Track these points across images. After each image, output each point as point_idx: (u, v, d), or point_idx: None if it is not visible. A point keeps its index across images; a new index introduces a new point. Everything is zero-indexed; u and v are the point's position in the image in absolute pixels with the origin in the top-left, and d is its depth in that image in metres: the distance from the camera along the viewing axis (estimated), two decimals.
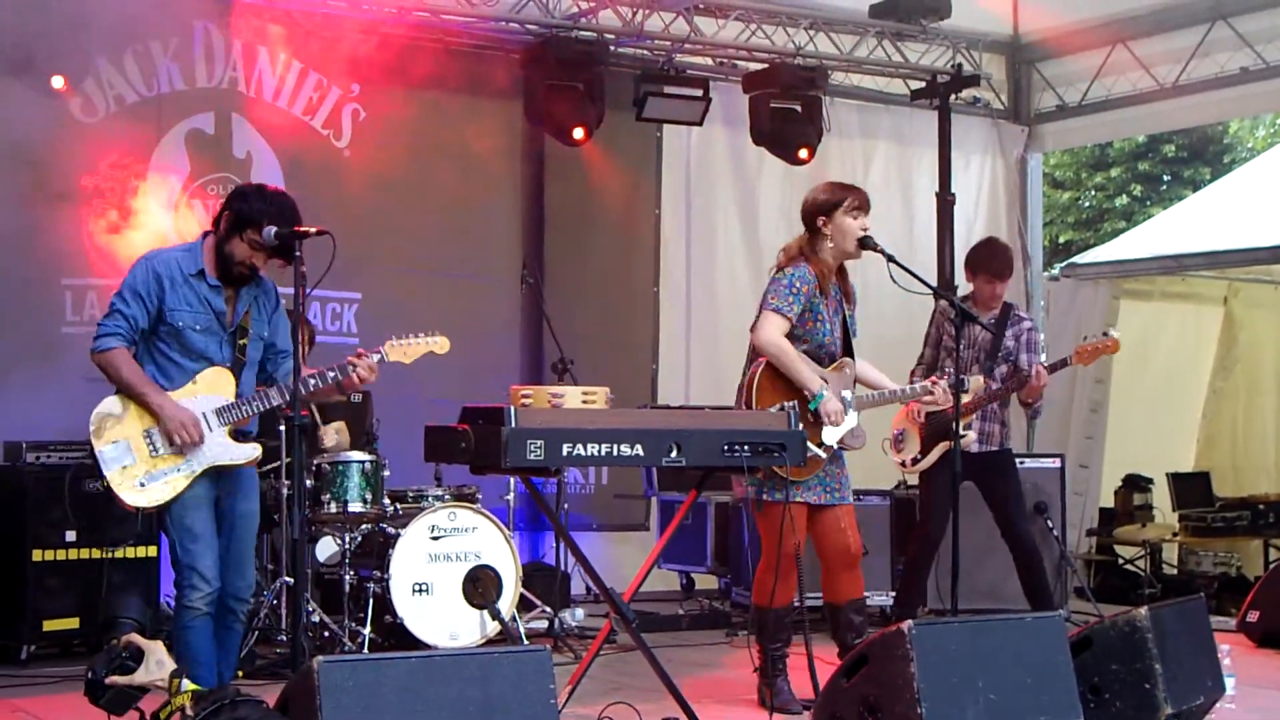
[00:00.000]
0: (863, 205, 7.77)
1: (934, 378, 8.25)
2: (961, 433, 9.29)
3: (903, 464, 9.77)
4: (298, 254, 6.49)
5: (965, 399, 9.34)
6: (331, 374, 6.88)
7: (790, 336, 7.68)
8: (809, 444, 7.39)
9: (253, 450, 6.94)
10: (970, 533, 10.22)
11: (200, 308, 6.78)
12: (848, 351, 7.91)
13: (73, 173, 10.24)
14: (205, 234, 6.97)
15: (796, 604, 7.95)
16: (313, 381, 6.83)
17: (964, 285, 10.06)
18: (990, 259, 9.70)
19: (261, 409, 6.93)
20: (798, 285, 7.66)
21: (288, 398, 6.72)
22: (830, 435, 7.70)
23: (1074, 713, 6.21)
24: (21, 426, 9.47)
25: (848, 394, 7.79)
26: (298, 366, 6.55)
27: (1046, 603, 9.44)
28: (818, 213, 7.80)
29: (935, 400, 8.13)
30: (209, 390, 6.80)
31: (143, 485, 6.65)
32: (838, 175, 13.40)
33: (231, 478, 6.90)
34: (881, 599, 10.79)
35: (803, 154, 12.44)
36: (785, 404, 7.46)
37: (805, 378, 7.63)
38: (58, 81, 9.77)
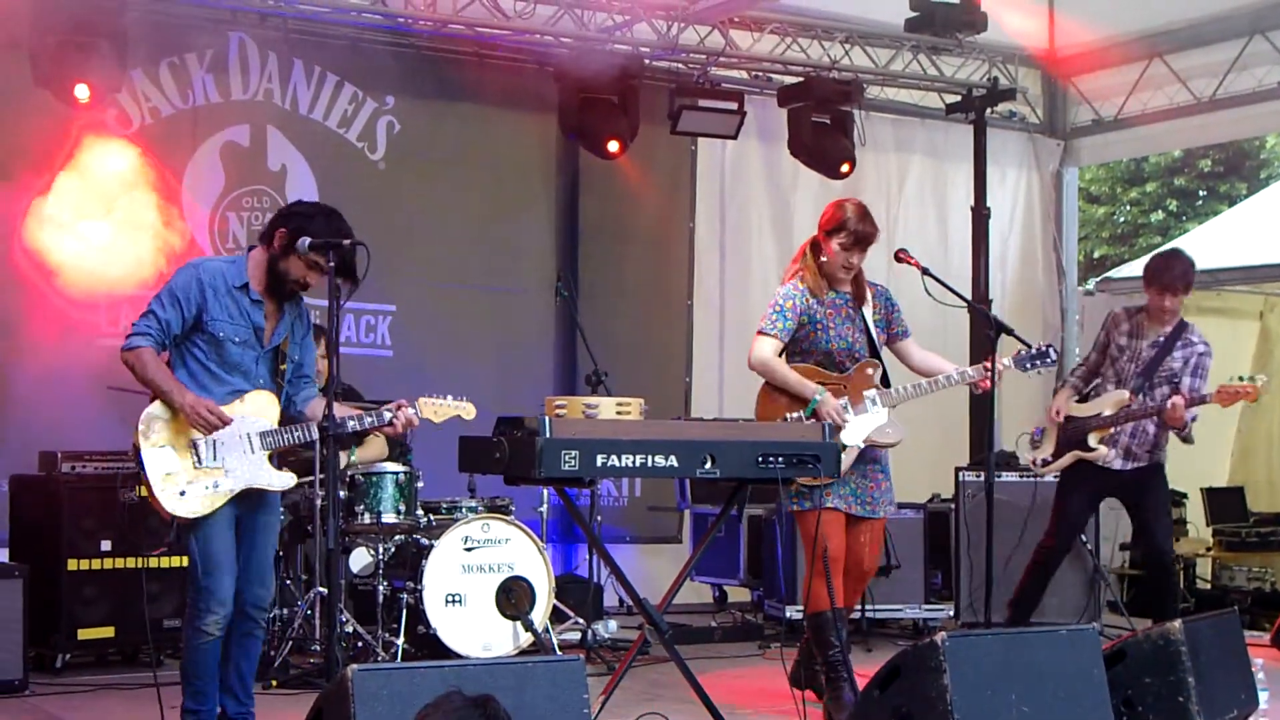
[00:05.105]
0: (858, 243, 7.84)
1: (986, 363, 7.99)
2: (1094, 445, 9.22)
3: (1033, 462, 9.61)
4: (332, 264, 6.50)
5: (1085, 409, 9.28)
6: (370, 419, 6.89)
7: (799, 352, 7.89)
8: None
9: (290, 478, 6.95)
10: (1006, 548, 10.21)
11: (241, 320, 6.75)
12: (876, 352, 7.97)
13: (108, 186, 10.29)
14: (250, 248, 6.96)
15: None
16: (351, 423, 6.84)
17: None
18: (1164, 270, 9.26)
19: (303, 439, 6.93)
20: (781, 303, 7.88)
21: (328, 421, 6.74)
22: (848, 436, 7.73)
23: None
24: (57, 437, 9.52)
25: (871, 393, 7.83)
26: (333, 376, 6.54)
27: (1167, 615, 9.00)
28: (821, 228, 7.96)
29: (976, 381, 7.97)
30: (255, 412, 6.79)
31: (183, 494, 6.60)
32: (873, 189, 13.48)
33: (254, 491, 6.87)
34: (914, 611, 10.80)
35: (844, 168, 12.43)
36: (789, 415, 7.68)
37: (797, 385, 7.78)
38: (83, 92, 9.74)
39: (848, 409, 7.76)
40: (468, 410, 7.16)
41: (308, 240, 6.68)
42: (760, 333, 7.91)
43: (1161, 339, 9.28)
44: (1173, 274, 9.22)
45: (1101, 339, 9.53)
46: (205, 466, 6.65)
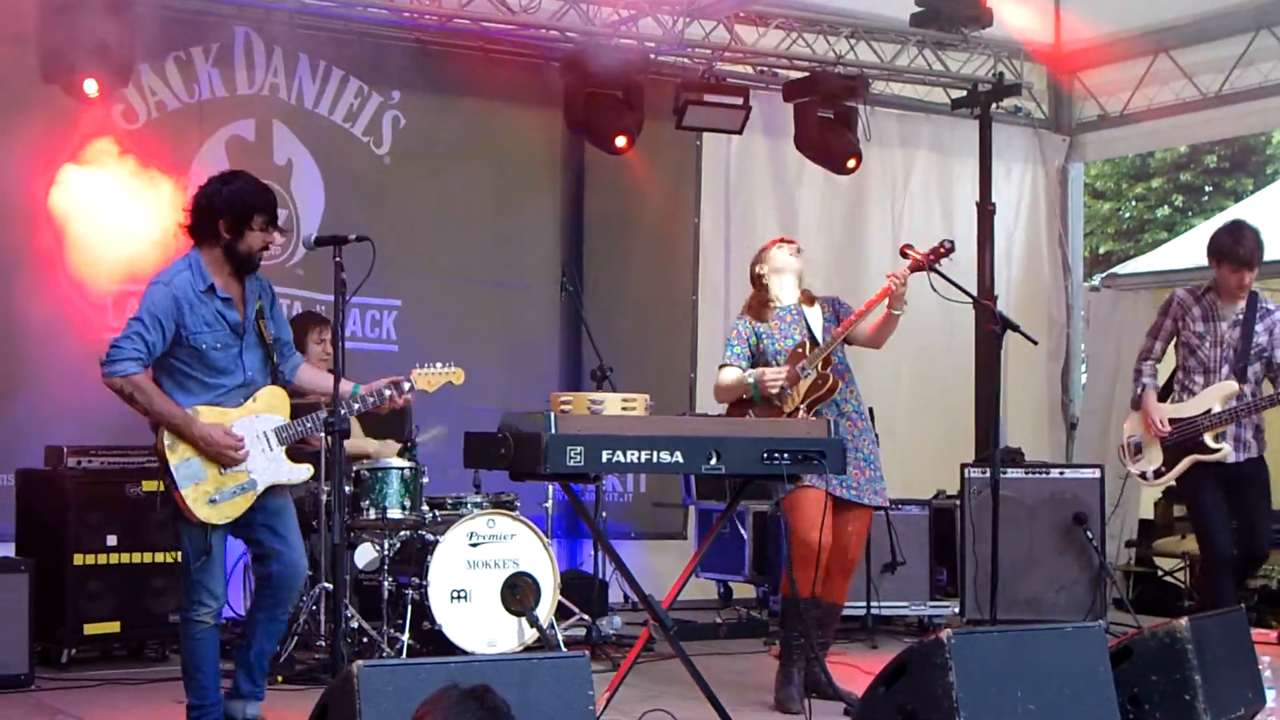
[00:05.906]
0: (784, 239, 8.58)
1: (891, 273, 7.83)
2: (1216, 445, 8.89)
3: (1142, 475, 9.27)
4: (337, 259, 6.52)
5: (1189, 408, 9.01)
6: (371, 399, 7.02)
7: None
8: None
9: (307, 470, 7.05)
10: (1012, 545, 10.20)
11: (217, 324, 6.80)
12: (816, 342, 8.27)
13: (115, 181, 10.28)
14: (195, 245, 6.94)
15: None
16: (356, 405, 6.98)
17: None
18: (1235, 245, 8.85)
19: (315, 429, 7.01)
20: (729, 337, 8.52)
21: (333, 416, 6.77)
22: (790, 405, 8.07)
23: None
24: (63, 432, 9.51)
25: (802, 363, 8.11)
26: (338, 374, 6.57)
27: (1215, 597, 8.80)
28: (758, 263, 8.53)
29: (896, 288, 7.82)
30: (268, 409, 6.88)
31: (214, 502, 6.70)
32: (878, 185, 13.50)
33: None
34: (919, 608, 10.78)
35: (849, 164, 12.42)
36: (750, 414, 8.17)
37: (737, 382, 8.26)
38: (91, 87, 9.73)
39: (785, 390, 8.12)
40: (458, 375, 7.40)
41: (313, 236, 6.74)
42: (720, 366, 8.44)
43: (1240, 316, 8.99)
44: (1246, 247, 8.87)
45: (1168, 326, 9.19)
46: (231, 471, 6.74)
